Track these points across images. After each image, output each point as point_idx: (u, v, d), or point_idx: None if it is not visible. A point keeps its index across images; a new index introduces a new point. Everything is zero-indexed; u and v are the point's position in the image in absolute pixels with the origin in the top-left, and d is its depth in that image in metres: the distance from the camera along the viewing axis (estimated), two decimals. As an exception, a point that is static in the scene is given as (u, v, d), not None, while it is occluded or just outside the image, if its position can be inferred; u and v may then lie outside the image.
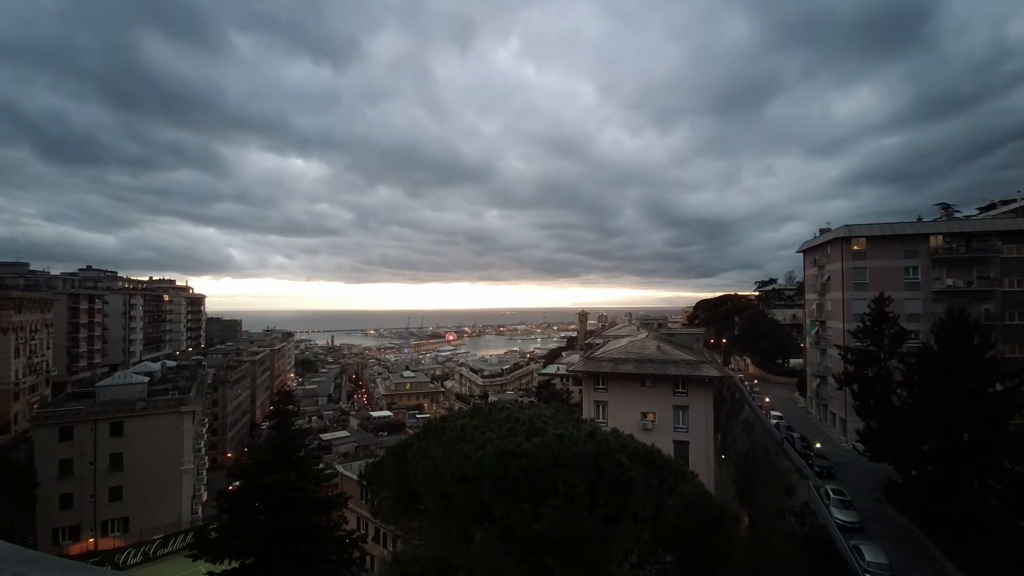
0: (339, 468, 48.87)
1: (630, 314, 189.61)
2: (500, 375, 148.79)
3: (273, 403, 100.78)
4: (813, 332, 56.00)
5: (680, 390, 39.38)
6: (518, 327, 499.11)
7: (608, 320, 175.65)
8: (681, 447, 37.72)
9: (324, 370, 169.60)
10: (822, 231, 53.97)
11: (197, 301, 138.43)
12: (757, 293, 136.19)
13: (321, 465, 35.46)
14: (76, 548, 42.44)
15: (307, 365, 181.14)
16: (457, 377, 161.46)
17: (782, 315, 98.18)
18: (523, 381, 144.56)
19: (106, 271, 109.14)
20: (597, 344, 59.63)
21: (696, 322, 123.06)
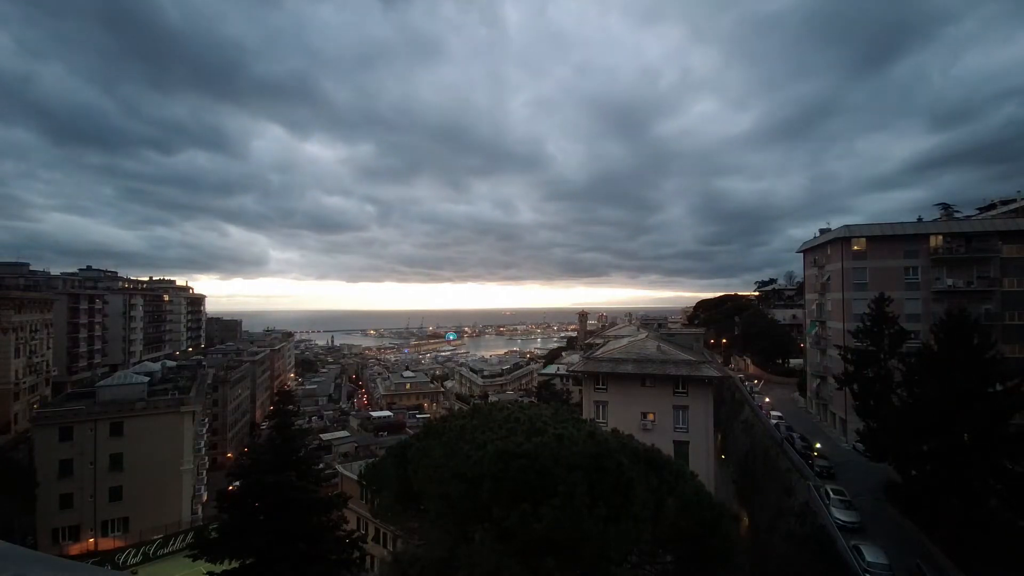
0: (339, 468, 48.88)
1: (630, 314, 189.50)
2: (500, 375, 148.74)
3: (273, 403, 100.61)
4: (813, 332, 56.00)
5: (680, 390, 39.38)
6: (518, 327, 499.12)
7: (608, 320, 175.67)
8: (681, 447, 37.73)
9: (324, 370, 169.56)
10: (822, 231, 53.99)
11: (197, 301, 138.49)
12: (757, 293, 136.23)
13: (321, 465, 35.48)
14: (76, 548, 42.41)
15: (307, 365, 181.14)
16: (457, 377, 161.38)
17: (782, 315, 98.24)
18: (523, 381, 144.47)
19: (106, 271, 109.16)
20: (597, 344, 59.61)
21: (696, 322, 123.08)
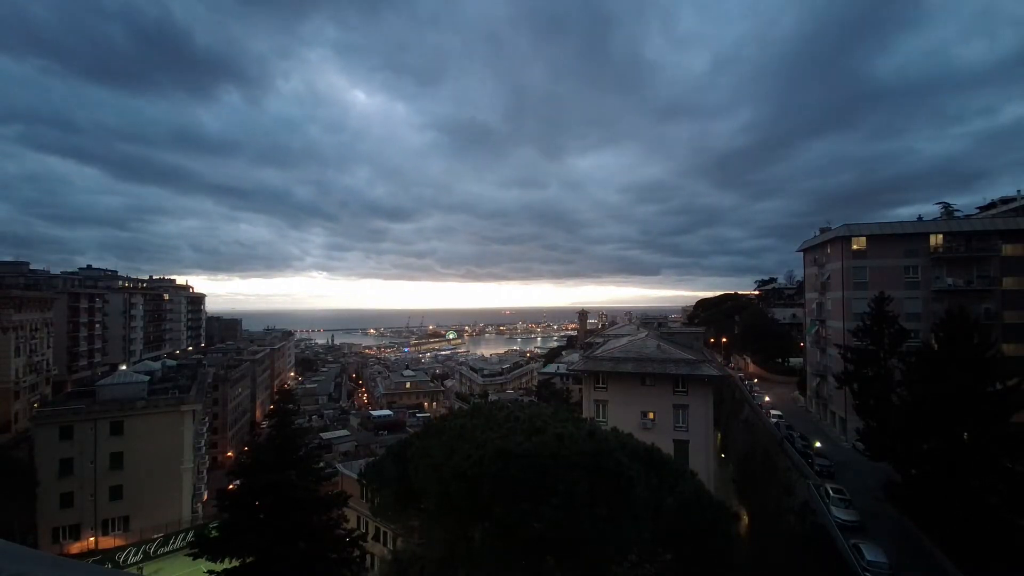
0: (339, 467, 48.84)
1: (630, 313, 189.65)
2: (500, 374, 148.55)
3: (273, 402, 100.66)
4: (813, 331, 55.98)
5: (680, 389, 39.39)
6: (518, 326, 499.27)
7: (608, 319, 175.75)
8: (681, 446, 37.75)
9: (324, 369, 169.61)
10: (822, 230, 53.98)
11: (197, 300, 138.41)
12: (757, 292, 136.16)
13: (321, 464, 35.38)
14: (76, 547, 42.45)
15: (307, 364, 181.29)
16: (457, 376, 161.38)
17: (782, 314, 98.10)
18: (523, 380, 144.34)
19: (106, 270, 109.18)
20: (597, 343, 59.59)
21: (696, 321, 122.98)
